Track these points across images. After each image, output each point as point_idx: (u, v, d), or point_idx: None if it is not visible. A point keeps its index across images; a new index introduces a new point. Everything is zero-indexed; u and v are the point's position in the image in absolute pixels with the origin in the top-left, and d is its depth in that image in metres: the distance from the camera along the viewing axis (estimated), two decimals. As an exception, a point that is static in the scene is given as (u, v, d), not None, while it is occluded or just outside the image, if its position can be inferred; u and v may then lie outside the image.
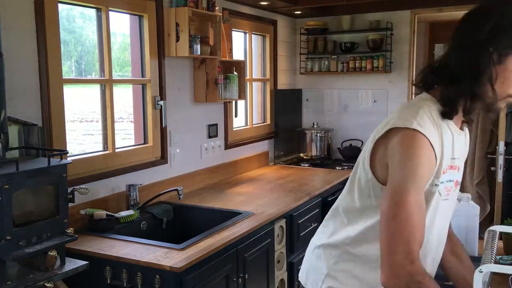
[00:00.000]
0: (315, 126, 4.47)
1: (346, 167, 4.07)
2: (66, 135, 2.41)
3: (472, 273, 1.18)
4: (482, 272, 1.15)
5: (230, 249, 2.33)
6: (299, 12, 4.37)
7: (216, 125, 3.55)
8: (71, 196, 1.98)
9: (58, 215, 1.91)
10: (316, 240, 1.57)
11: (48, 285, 1.79)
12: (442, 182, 1.29)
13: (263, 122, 4.30)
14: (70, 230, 1.95)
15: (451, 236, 1.55)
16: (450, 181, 1.33)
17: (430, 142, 1.21)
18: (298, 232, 3.01)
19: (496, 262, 1.99)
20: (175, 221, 2.85)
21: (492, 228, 1.50)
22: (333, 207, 1.53)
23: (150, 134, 2.96)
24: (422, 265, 1.21)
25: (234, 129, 3.82)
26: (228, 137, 3.70)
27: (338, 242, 1.45)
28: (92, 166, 2.56)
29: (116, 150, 2.74)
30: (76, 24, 2.83)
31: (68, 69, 2.70)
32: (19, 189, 1.75)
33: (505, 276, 1.89)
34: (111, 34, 2.67)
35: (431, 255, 1.40)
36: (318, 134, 4.39)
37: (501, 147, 3.24)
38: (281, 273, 2.89)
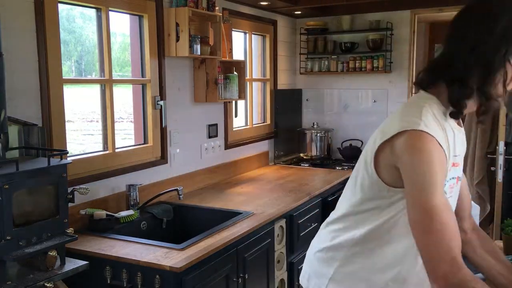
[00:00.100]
0: (315, 126, 4.47)
1: (346, 167, 4.07)
2: (66, 135, 2.41)
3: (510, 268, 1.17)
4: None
5: (230, 249, 2.33)
6: (299, 12, 4.37)
7: (216, 125, 3.55)
8: (71, 196, 1.98)
9: (58, 215, 1.91)
10: (318, 243, 1.55)
11: (48, 285, 1.79)
12: (447, 180, 1.30)
13: (263, 122, 4.30)
14: (70, 230, 1.95)
15: (478, 231, 1.54)
16: (453, 178, 1.34)
17: (438, 142, 1.21)
18: (298, 232, 3.01)
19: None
20: (175, 221, 2.85)
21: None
22: (336, 210, 1.52)
23: (150, 134, 2.96)
24: (469, 271, 1.20)
25: (234, 129, 3.82)
26: (228, 137, 3.70)
27: (342, 245, 1.44)
28: (92, 166, 2.56)
29: (116, 150, 2.74)
30: (76, 24, 2.83)
31: (68, 69, 2.70)
32: (19, 189, 1.75)
33: (505, 276, 1.89)
34: (111, 34, 2.67)
35: None
36: (318, 134, 4.39)
37: (501, 147, 3.24)
38: (281, 273, 2.89)
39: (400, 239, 1.34)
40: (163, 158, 3.04)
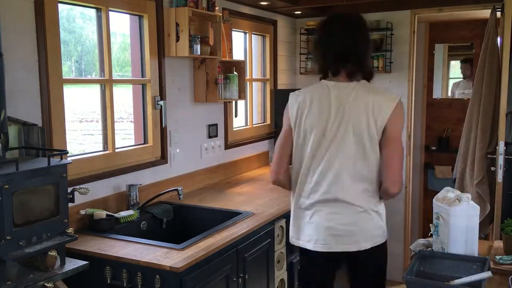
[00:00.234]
0: (315, 126, 4.46)
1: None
2: (66, 135, 2.41)
3: None
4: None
5: (230, 249, 2.33)
6: (299, 12, 4.37)
7: (216, 125, 3.55)
8: (71, 196, 1.99)
9: (58, 215, 1.91)
10: (359, 208, 2.04)
11: (48, 285, 1.79)
12: None
13: (263, 122, 4.30)
14: (70, 230, 1.95)
15: None
16: None
17: None
18: (298, 232, 3.00)
19: (496, 262, 2.00)
20: (175, 221, 2.85)
21: None
22: (355, 187, 2.03)
23: (150, 134, 2.96)
24: None
25: (234, 129, 3.82)
26: (228, 137, 3.70)
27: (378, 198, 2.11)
28: (92, 166, 2.56)
29: (116, 150, 2.74)
30: (76, 24, 2.83)
31: (68, 69, 2.70)
32: (19, 189, 1.75)
33: (505, 276, 1.89)
34: (111, 34, 2.67)
35: None
36: (318, 134, 4.39)
37: (501, 147, 3.23)
38: (281, 273, 2.89)
39: None
40: (163, 158, 3.04)
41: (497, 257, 2.03)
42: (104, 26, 2.62)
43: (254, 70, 4.15)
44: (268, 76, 4.28)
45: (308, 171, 2.08)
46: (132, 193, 2.70)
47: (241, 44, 3.98)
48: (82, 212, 2.43)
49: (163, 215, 2.78)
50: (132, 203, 2.70)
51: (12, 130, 2.03)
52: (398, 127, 2.05)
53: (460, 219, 1.95)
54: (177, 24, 2.92)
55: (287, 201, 2.99)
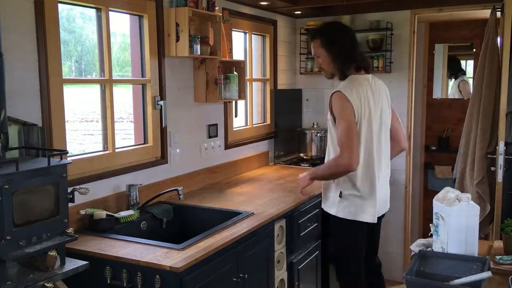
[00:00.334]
0: (315, 126, 4.47)
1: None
2: (66, 135, 2.41)
3: None
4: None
5: (230, 249, 2.33)
6: (299, 12, 4.37)
7: (216, 125, 3.55)
8: (71, 196, 1.99)
9: (58, 215, 1.91)
10: (386, 174, 2.78)
11: (48, 285, 1.79)
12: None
13: (263, 122, 4.30)
14: (70, 230, 1.95)
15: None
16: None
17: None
18: (298, 232, 3.01)
19: (496, 262, 2.00)
20: (175, 221, 2.85)
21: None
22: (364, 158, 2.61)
23: (150, 134, 2.97)
24: None
25: (234, 129, 3.82)
26: (228, 137, 3.71)
27: None
28: (92, 166, 2.56)
29: (116, 150, 2.74)
30: (76, 24, 2.83)
31: (68, 69, 2.70)
32: (19, 189, 1.75)
33: (505, 276, 1.89)
34: (111, 34, 2.67)
35: None
36: (318, 134, 4.39)
37: (501, 147, 3.23)
38: (281, 273, 2.89)
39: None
40: (163, 158, 3.04)
41: (497, 257, 2.03)
42: (104, 26, 2.62)
43: (254, 70, 4.15)
44: (268, 76, 4.28)
45: (374, 154, 2.64)
46: (132, 193, 2.70)
47: (241, 44, 3.98)
48: (82, 212, 2.43)
49: (163, 215, 2.78)
50: (132, 203, 2.70)
51: (12, 130, 2.03)
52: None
53: (460, 219, 1.95)
54: (177, 24, 2.92)
55: (287, 201, 3.00)
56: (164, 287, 2.00)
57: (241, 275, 2.41)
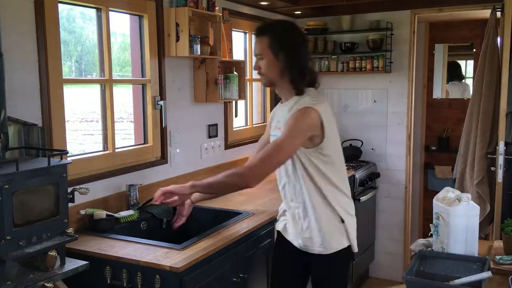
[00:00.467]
0: (315, 126, 4.46)
1: (346, 167, 4.06)
2: (66, 135, 2.41)
3: None
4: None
5: (230, 249, 2.33)
6: (299, 12, 4.36)
7: (216, 125, 3.55)
8: (71, 196, 1.98)
9: (58, 215, 1.91)
10: None
11: (48, 285, 1.79)
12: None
13: (263, 122, 4.30)
14: (70, 230, 1.95)
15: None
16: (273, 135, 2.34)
17: None
18: (298, 232, 3.00)
19: (496, 262, 2.00)
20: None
21: None
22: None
23: (150, 134, 2.96)
24: None
25: (234, 129, 3.82)
26: (228, 137, 3.70)
27: None
28: (92, 166, 2.56)
29: (116, 150, 2.74)
30: (76, 24, 2.84)
31: (68, 69, 2.70)
32: (19, 189, 1.75)
33: (505, 276, 1.89)
34: (111, 34, 2.67)
35: None
36: (318, 134, 4.39)
37: (501, 147, 3.24)
38: (281, 273, 2.89)
39: None
40: (163, 158, 3.04)
41: (497, 257, 2.03)
42: (104, 26, 2.62)
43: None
44: (268, 76, 4.27)
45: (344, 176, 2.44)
46: (132, 193, 2.70)
47: (241, 44, 3.99)
48: (82, 212, 2.43)
49: (163, 215, 2.78)
50: (132, 203, 2.70)
51: (12, 130, 2.03)
52: None
53: (460, 219, 1.95)
54: (177, 24, 2.92)
55: (287, 201, 2.99)
56: (164, 287, 2.00)
57: (241, 275, 2.41)
